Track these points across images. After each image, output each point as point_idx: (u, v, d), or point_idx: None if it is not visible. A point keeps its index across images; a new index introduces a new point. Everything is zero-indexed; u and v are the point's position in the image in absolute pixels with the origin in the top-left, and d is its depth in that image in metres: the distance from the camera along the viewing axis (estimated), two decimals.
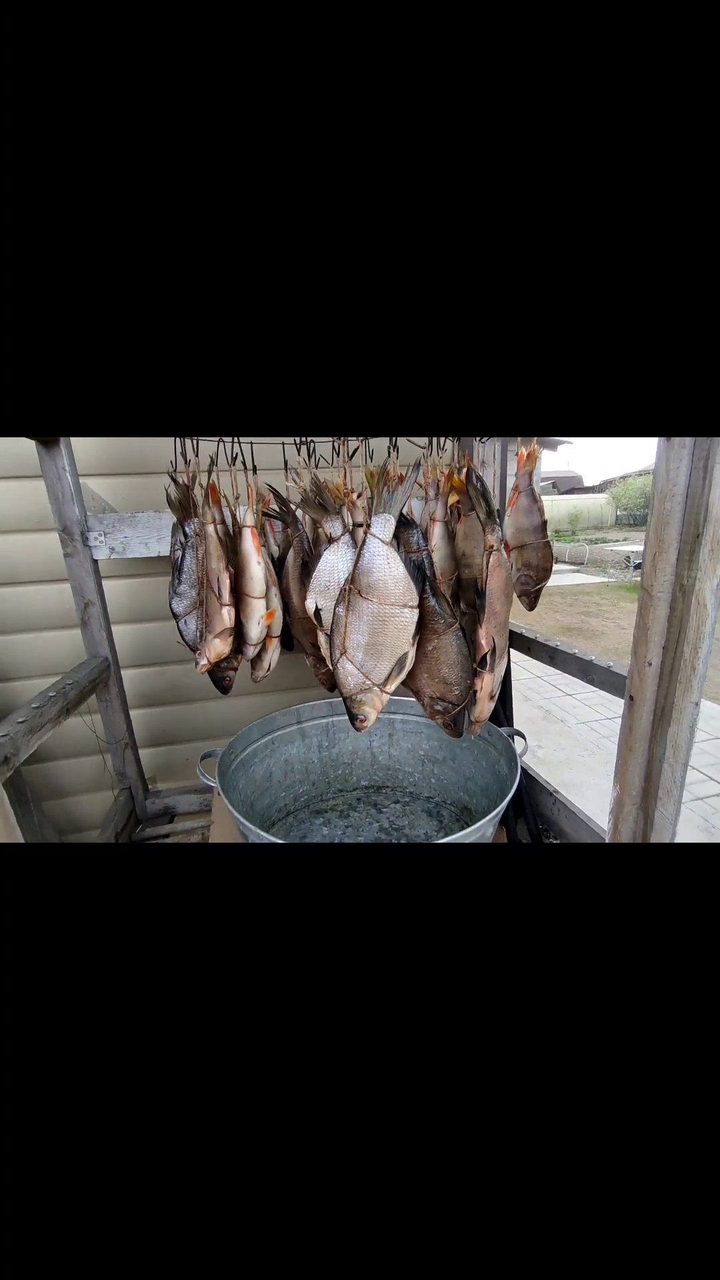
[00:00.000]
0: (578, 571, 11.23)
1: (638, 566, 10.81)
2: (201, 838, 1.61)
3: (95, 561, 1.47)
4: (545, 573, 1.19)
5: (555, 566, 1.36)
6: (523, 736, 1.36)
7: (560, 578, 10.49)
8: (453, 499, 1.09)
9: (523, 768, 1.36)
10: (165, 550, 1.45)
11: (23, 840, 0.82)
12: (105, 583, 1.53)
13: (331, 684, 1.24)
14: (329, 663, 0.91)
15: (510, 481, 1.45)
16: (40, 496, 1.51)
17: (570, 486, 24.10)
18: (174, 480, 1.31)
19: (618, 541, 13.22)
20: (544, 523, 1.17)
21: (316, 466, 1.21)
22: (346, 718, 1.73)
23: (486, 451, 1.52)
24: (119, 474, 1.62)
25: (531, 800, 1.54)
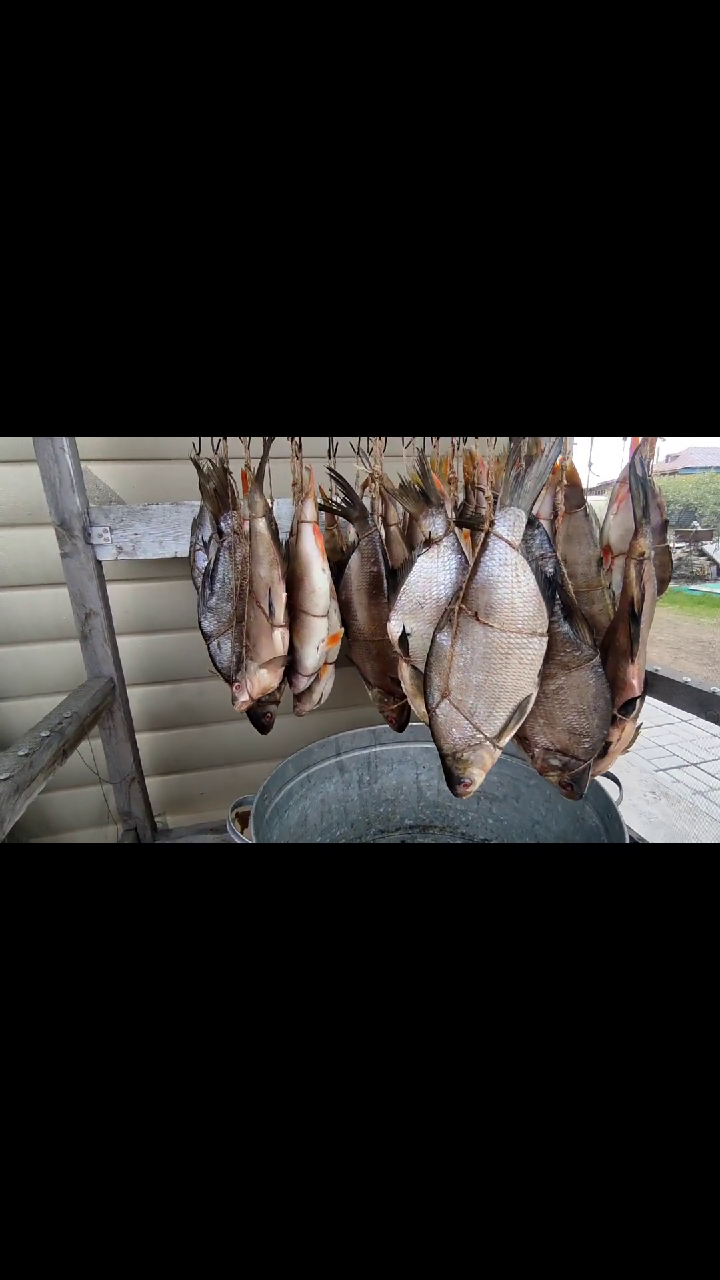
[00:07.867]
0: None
1: None
2: None
3: (99, 563, 1.23)
4: (664, 584, 0.96)
5: None
6: (616, 781, 1.13)
7: None
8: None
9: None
10: (183, 550, 1.21)
11: None
12: (109, 588, 1.28)
13: (403, 724, 1.00)
14: (424, 707, 0.67)
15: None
16: (33, 484, 1.27)
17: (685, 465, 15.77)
18: (197, 466, 1.07)
19: None
20: (665, 523, 0.94)
21: (335, 457, 0.97)
22: (390, 749, 1.50)
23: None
24: (130, 459, 1.37)
25: None
